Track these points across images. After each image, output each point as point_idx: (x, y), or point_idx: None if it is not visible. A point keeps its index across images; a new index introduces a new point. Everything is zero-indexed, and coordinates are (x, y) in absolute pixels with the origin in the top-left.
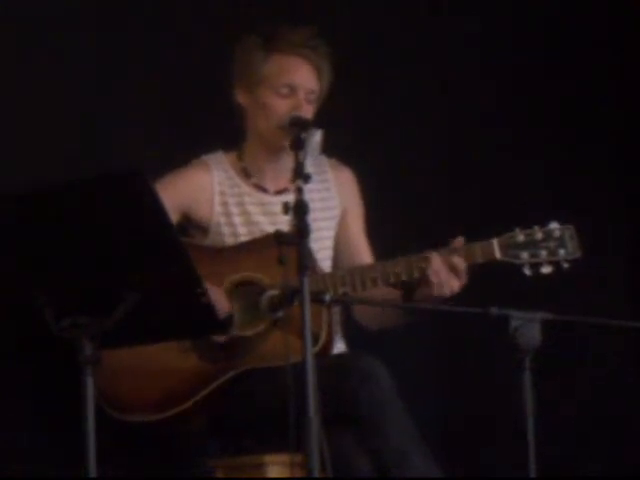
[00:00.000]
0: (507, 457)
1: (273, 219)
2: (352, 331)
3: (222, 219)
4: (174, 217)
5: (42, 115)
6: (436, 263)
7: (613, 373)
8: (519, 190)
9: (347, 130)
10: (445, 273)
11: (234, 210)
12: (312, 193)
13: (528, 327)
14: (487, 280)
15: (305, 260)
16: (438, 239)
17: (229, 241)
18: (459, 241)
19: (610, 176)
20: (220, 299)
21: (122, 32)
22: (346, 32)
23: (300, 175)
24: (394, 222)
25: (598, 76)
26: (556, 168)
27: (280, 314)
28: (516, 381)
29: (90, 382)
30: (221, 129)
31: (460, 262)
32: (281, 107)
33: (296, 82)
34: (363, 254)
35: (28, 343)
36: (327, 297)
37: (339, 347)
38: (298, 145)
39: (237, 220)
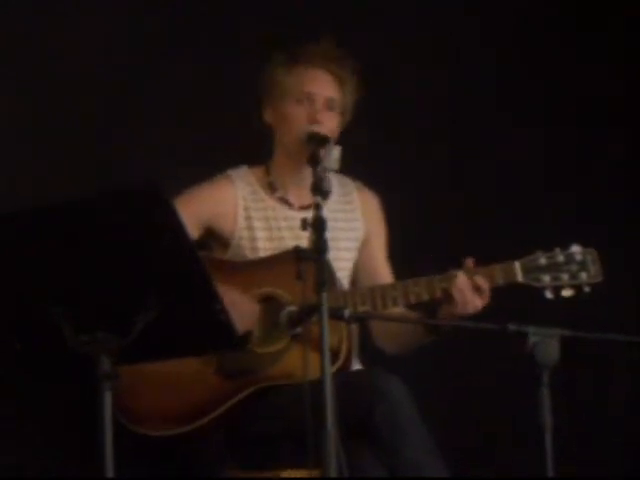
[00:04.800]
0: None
1: (297, 234)
2: (370, 347)
3: (245, 233)
4: (197, 231)
5: (62, 130)
6: (461, 282)
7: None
8: (533, 208)
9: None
10: (470, 292)
11: (258, 225)
12: (337, 213)
13: (546, 343)
14: (504, 296)
15: (324, 276)
16: (447, 260)
17: (249, 256)
18: (469, 261)
19: (624, 190)
20: (250, 309)
21: (142, 46)
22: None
23: (318, 191)
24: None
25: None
26: (570, 184)
27: (299, 330)
28: (534, 396)
29: (108, 397)
30: (244, 146)
31: (484, 282)
32: (299, 115)
33: (313, 90)
34: (385, 279)
35: (46, 358)
36: (346, 313)
37: (355, 367)
38: (315, 161)
39: (260, 235)
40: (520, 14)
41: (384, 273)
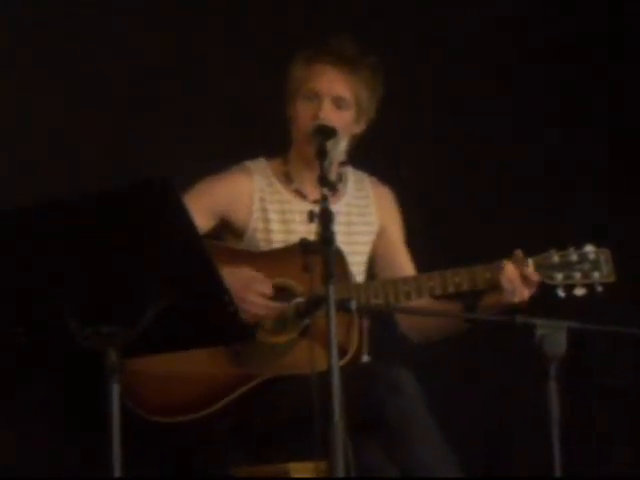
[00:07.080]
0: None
1: (311, 227)
2: (380, 338)
3: (259, 225)
4: (211, 221)
5: (74, 127)
6: (510, 271)
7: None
8: (543, 206)
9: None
10: (518, 281)
11: (273, 217)
12: (352, 207)
13: (554, 335)
14: None
15: (331, 268)
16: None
17: (263, 247)
18: (519, 252)
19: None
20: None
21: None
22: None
23: (325, 183)
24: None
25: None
26: (577, 181)
27: (307, 322)
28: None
29: (115, 390)
30: (262, 140)
31: (533, 274)
32: (305, 112)
33: (319, 88)
34: (405, 266)
35: (53, 352)
36: (353, 304)
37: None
38: (323, 153)
39: (275, 227)
40: (520, 13)
41: (404, 260)
